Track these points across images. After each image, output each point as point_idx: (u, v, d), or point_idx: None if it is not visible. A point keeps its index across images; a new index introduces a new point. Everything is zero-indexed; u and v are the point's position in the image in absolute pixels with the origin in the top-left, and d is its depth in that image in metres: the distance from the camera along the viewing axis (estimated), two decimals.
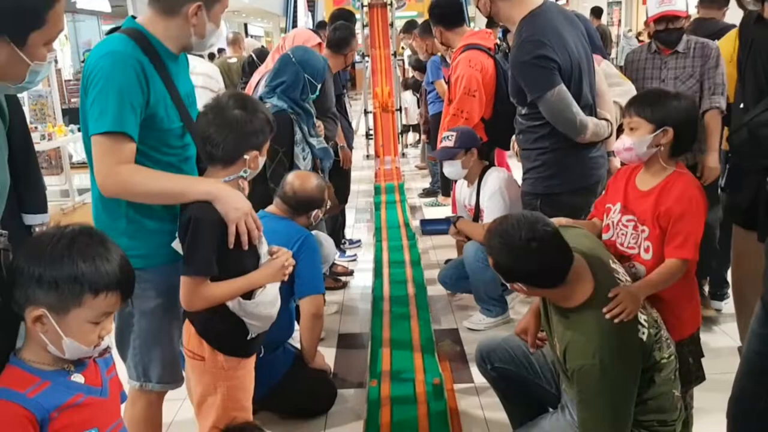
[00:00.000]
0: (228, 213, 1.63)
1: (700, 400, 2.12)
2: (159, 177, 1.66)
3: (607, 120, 2.59)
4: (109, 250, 1.14)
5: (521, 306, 3.52)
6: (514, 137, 2.90)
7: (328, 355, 2.93)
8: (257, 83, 3.58)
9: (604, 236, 2.02)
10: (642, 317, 1.66)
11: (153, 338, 1.80)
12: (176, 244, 1.70)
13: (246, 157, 1.67)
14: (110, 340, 1.20)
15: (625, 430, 1.64)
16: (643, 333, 1.64)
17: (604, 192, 2.26)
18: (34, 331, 1.11)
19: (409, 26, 7.51)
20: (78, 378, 1.16)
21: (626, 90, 2.91)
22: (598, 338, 1.59)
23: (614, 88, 2.91)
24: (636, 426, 1.70)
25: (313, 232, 2.75)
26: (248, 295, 1.72)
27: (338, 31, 3.97)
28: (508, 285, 1.74)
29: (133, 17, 1.75)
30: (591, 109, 2.54)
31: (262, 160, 1.73)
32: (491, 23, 4.03)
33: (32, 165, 1.90)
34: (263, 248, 1.78)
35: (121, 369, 1.74)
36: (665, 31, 2.98)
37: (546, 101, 2.39)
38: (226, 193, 1.64)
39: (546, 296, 1.78)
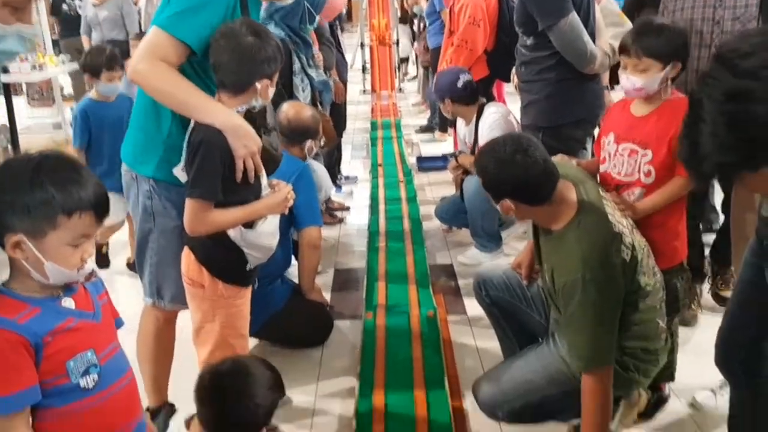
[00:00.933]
0: (237, 149, 1.62)
1: (692, 335, 2.15)
2: (181, 84, 1.63)
3: (605, 52, 2.54)
4: (79, 172, 1.12)
5: (516, 242, 3.55)
6: (514, 70, 2.85)
7: (324, 289, 2.97)
8: None
9: (602, 168, 2.03)
10: (627, 239, 1.69)
11: (169, 258, 1.83)
12: (177, 171, 1.68)
13: (258, 85, 1.65)
14: (94, 264, 1.20)
15: (608, 344, 1.68)
16: (626, 254, 1.67)
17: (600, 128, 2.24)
18: (16, 260, 1.11)
19: None
20: (68, 303, 1.16)
21: (623, 31, 2.79)
22: (580, 255, 1.64)
23: (611, 28, 2.80)
24: (621, 353, 1.75)
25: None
26: (249, 224, 1.72)
27: None
28: (498, 207, 1.77)
29: None
30: (594, 41, 2.49)
31: (272, 91, 1.71)
32: None
33: None
34: (264, 180, 1.78)
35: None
36: None
37: (559, 29, 2.34)
38: (239, 129, 1.62)
39: (534, 218, 1.82)
